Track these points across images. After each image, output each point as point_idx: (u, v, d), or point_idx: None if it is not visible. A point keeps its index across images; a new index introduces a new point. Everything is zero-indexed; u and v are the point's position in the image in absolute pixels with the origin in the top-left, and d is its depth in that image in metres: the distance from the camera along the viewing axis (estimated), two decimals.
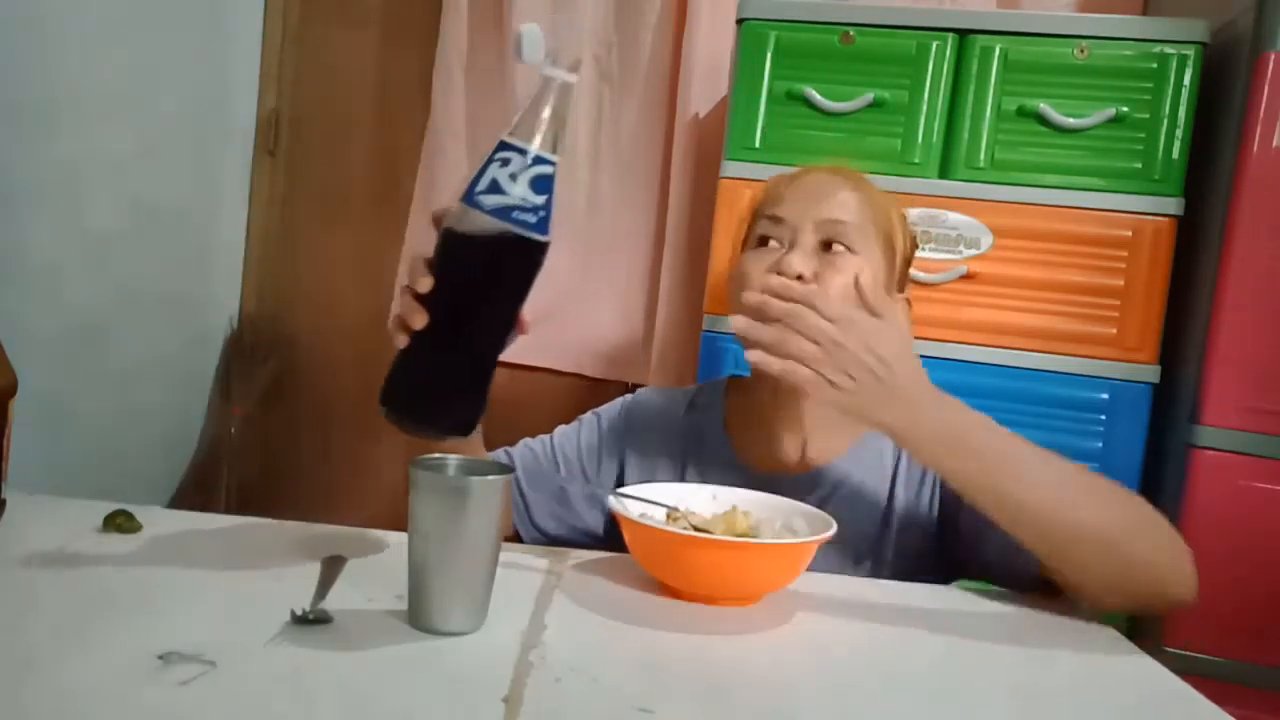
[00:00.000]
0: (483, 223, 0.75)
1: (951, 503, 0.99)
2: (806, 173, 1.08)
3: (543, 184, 0.76)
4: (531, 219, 0.76)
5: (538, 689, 0.62)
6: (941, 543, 1.01)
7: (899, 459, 1.04)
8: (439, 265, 0.79)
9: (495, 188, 0.76)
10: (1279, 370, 1.45)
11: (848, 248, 1.00)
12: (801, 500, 0.92)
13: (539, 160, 0.76)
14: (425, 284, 0.78)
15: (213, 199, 2.30)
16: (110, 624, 0.66)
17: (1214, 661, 1.43)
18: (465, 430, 0.81)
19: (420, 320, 0.78)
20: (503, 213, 0.75)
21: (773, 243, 1.03)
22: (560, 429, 1.14)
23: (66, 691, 0.57)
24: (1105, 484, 0.85)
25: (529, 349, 2.23)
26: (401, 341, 0.80)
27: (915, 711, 0.66)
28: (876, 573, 0.99)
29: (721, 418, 1.11)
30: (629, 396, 1.16)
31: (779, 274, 0.98)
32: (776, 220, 1.03)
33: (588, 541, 1.06)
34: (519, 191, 0.75)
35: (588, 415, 1.15)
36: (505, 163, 0.76)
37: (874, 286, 0.98)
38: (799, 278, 0.97)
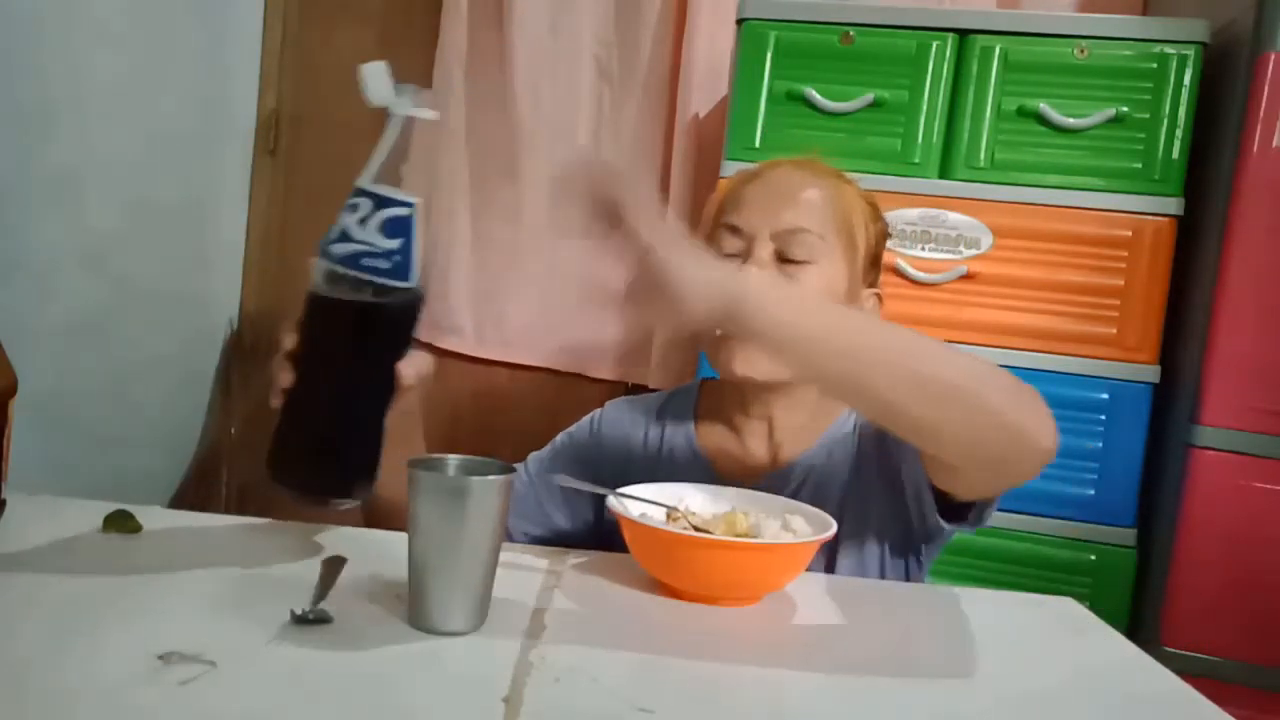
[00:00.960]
0: (333, 273, 0.73)
1: (895, 456, 0.98)
2: (769, 170, 1.04)
3: (397, 226, 0.73)
4: (384, 264, 0.73)
5: (538, 689, 0.62)
6: (897, 511, 1.00)
7: (860, 444, 1.02)
8: (304, 322, 0.76)
9: (344, 236, 0.73)
10: (1279, 370, 1.46)
11: (806, 259, 0.98)
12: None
13: (391, 202, 0.73)
14: (290, 340, 0.76)
15: (213, 199, 2.30)
16: (110, 624, 0.66)
17: (1214, 661, 1.43)
18: (352, 497, 0.78)
19: (287, 379, 0.76)
20: (351, 260, 0.72)
21: (730, 253, 1.01)
22: (532, 456, 1.12)
23: (66, 692, 0.57)
24: (928, 338, 0.81)
25: (530, 349, 2.23)
26: (277, 402, 0.77)
27: (915, 712, 0.66)
28: (841, 542, 0.98)
29: (693, 427, 1.09)
30: (597, 414, 1.14)
31: None
32: (734, 230, 1.00)
33: (585, 542, 1.06)
34: (368, 237, 0.73)
35: (559, 438, 1.13)
36: (355, 209, 0.74)
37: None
38: None
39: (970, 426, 0.79)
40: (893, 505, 0.99)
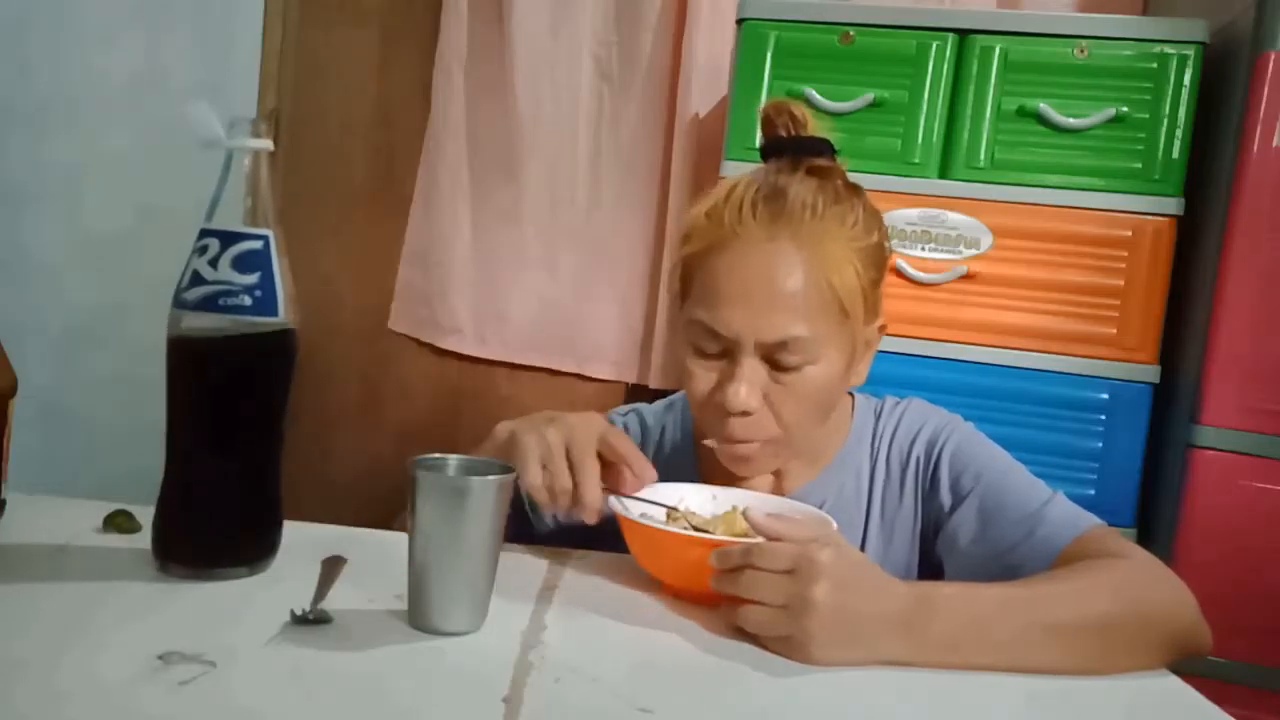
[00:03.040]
0: (192, 320, 0.71)
1: (930, 538, 0.97)
2: (734, 240, 0.89)
3: (253, 261, 0.71)
4: (245, 300, 0.70)
5: (538, 689, 0.62)
6: (922, 569, 0.98)
7: (873, 479, 1.00)
8: (170, 382, 0.73)
9: (197, 279, 0.71)
10: (1279, 370, 1.45)
11: (801, 363, 0.89)
12: None
13: (240, 237, 0.71)
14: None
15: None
16: (110, 624, 0.66)
17: (1214, 662, 1.42)
18: (250, 565, 0.75)
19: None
20: (208, 302, 0.70)
21: (711, 353, 0.91)
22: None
23: (66, 692, 0.57)
24: (1082, 582, 0.78)
25: (529, 349, 2.23)
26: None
27: (917, 712, 0.66)
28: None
29: (692, 448, 1.04)
30: None
31: (725, 407, 0.88)
32: (714, 334, 0.89)
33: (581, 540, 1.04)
34: (223, 275, 0.70)
35: None
36: (203, 250, 0.71)
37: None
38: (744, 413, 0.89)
39: (1134, 665, 0.77)
40: (921, 541, 0.98)
